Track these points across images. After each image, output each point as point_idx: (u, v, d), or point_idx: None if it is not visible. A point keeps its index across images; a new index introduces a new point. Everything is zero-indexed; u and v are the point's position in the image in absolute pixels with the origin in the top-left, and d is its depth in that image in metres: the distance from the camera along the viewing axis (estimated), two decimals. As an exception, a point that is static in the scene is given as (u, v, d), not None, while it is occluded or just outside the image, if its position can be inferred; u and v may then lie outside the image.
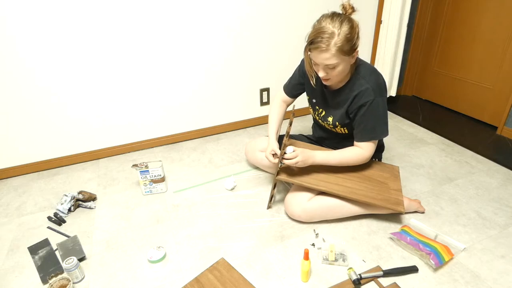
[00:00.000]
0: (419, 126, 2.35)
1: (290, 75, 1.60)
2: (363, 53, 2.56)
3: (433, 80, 2.62)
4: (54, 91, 1.83)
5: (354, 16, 1.23)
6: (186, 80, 2.09)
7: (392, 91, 2.60)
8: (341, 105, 1.39)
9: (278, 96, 1.64)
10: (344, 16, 1.20)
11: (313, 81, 1.40)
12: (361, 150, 1.40)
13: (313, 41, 1.18)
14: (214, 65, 2.12)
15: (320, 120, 1.54)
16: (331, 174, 1.46)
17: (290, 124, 1.41)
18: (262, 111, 2.42)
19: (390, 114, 2.55)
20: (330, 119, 1.46)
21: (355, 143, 1.42)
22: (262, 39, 2.17)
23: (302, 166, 1.36)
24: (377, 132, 1.36)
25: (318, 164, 1.40)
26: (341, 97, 1.37)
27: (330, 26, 1.16)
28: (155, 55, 1.95)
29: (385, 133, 1.37)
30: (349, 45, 1.18)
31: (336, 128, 1.47)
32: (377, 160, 1.61)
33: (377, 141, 1.41)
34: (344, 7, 1.22)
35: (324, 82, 1.32)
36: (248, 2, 2.02)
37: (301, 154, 1.33)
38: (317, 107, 1.51)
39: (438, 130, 2.25)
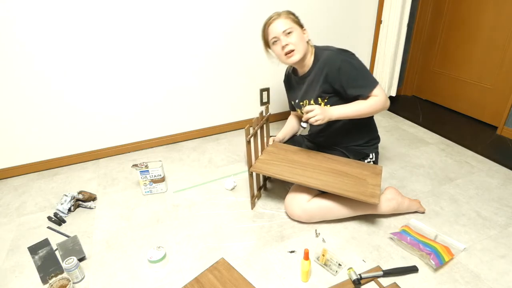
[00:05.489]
0: (419, 126, 2.35)
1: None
2: (363, 53, 2.56)
3: (433, 80, 2.62)
4: (54, 91, 1.83)
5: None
6: (186, 80, 2.09)
7: (392, 91, 2.60)
8: (316, 81, 1.45)
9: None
10: None
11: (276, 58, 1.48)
12: (374, 98, 1.36)
13: (266, 22, 1.41)
14: (214, 65, 2.12)
15: None
16: (308, 168, 1.47)
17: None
18: (262, 111, 2.43)
19: (390, 114, 2.55)
20: (312, 101, 1.49)
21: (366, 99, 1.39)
22: (262, 39, 2.17)
23: (322, 122, 1.33)
24: (369, 79, 1.36)
25: (337, 119, 1.38)
26: (314, 73, 1.45)
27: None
28: (155, 55, 1.95)
29: (375, 80, 1.37)
30: (296, 17, 1.41)
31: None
32: (373, 154, 1.59)
33: (379, 86, 1.37)
34: None
35: (290, 56, 1.38)
36: (249, 1, 2.03)
37: (318, 108, 1.33)
38: (301, 104, 1.56)
39: (438, 130, 2.25)
